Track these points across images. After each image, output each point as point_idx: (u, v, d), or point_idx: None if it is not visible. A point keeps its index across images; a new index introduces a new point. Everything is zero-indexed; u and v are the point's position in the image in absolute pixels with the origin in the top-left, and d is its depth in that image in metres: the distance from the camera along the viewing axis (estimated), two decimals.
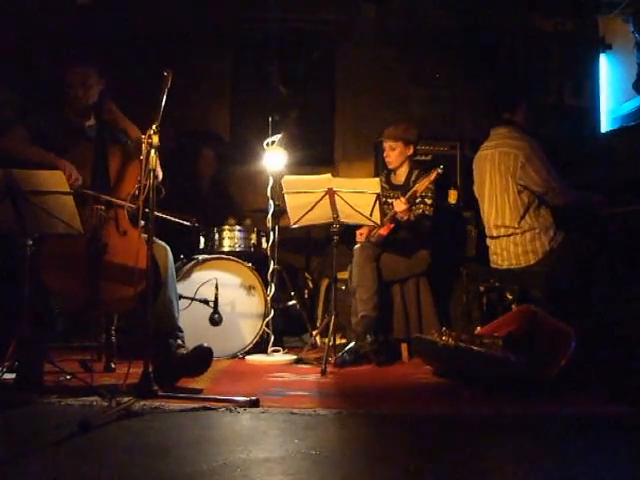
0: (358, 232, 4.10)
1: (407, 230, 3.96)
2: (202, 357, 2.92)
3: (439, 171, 3.82)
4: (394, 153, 4.09)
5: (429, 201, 3.96)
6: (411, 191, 3.86)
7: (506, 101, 3.85)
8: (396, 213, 3.86)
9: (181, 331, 3.07)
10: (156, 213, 2.72)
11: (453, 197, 4.69)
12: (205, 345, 2.94)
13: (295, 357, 3.83)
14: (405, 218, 3.85)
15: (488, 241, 3.86)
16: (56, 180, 2.69)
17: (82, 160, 3.04)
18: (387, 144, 4.11)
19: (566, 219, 3.65)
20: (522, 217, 3.62)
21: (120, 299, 2.90)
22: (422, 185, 3.85)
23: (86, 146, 3.11)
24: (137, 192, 3.02)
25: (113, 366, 3.35)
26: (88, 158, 3.06)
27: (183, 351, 2.98)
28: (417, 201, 3.94)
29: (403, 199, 3.84)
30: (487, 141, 3.84)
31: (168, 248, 3.13)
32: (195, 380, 2.98)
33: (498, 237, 3.73)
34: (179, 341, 3.03)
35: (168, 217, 3.55)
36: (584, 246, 3.58)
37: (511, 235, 3.66)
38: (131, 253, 2.83)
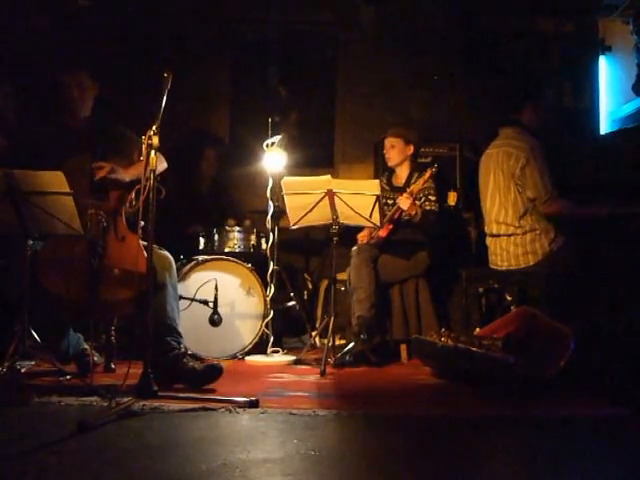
0: (359, 235, 4.11)
1: (414, 227, 3.97)
2: (210, 374, 2.90)
3: (433, 170, 3.86)
4: (394, 150, 4.12)
5: (433, 197, 4.00)
6: (407, 192, 3.88)
7: (513, 102, 3.86)
8: (397, 212, 3.88)
9: (181, 336, 3.05)
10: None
11: (453, 199, 4.69)
12: (218, 365, 2.94)
13: (294, 358, 3.84)
14: (413, 213, 3.86)
15: (488, 240, 3.87)
16: (56, 181, 2.71)
17: (81, 170, 3.05)
18: (387, 141, 4.16)
19: (566, 222, 3.65)
20: (522, 216, 3.63)
21: (118, 302, 2.94)
22: (417, 186, 3.88)
23: (85, 157, 3.13)
24: (134, 197, 3.07)
25: (113, 366, 3.35)
26: (87, 169, 3.08)
27: (194, 365, 2.95)
28: (422, 200, 3.96)
29: (405, 194, 3.86)
30: (495, 140, 3.86)
31: (171, 258, 3.14)
32: None
33: (499, 235, 3.74)
34: (182, 348, 3.00)
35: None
36: (584, 248, 3.58)
37: (512, 235, 3.67)
38: (129, 257, 2.88)
